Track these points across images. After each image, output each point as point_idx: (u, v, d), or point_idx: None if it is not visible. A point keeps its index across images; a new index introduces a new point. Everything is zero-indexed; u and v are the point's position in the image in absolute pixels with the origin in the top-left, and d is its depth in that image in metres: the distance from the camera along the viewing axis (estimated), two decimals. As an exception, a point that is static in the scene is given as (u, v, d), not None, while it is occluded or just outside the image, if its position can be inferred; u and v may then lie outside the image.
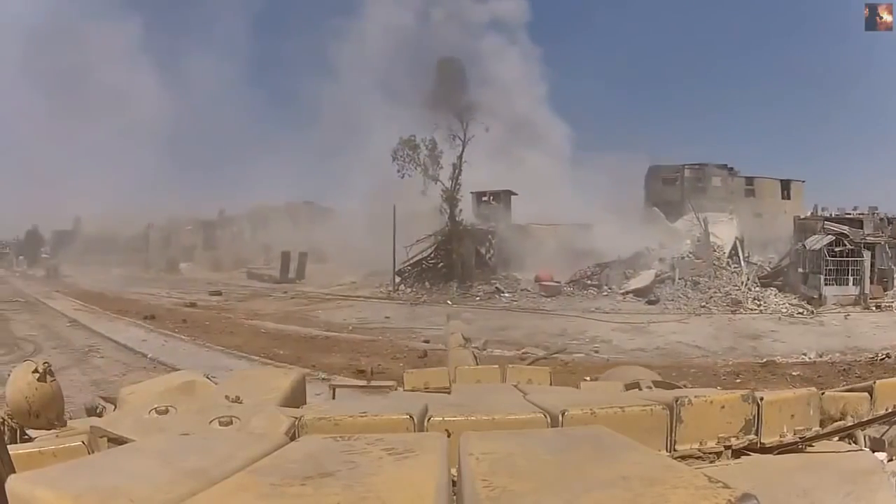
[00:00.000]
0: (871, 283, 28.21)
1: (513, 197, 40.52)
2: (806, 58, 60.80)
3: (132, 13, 51.16)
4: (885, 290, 28.30)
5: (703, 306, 28.39)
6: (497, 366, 4.05)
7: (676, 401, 1.90)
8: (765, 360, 19.19)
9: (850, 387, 2.54)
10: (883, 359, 18.97)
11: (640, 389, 3.69)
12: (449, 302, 31.10)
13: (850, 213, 32.37)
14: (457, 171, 34.37)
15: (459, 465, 1.34)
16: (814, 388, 2.25)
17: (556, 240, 35.99)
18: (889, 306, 27.13)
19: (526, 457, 1.30)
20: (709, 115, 65.09)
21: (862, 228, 29.49)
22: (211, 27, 61.79)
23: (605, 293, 31.33)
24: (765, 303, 28.40)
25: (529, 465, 1.25)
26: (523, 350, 17.92)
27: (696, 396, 1.95)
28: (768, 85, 62.26)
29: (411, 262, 34.99)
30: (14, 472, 1.34)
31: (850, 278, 27.50)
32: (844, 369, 17.93)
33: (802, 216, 34.86)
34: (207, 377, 3.02)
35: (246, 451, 1.39)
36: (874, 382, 2.46)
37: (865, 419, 2.20)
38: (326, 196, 48.77)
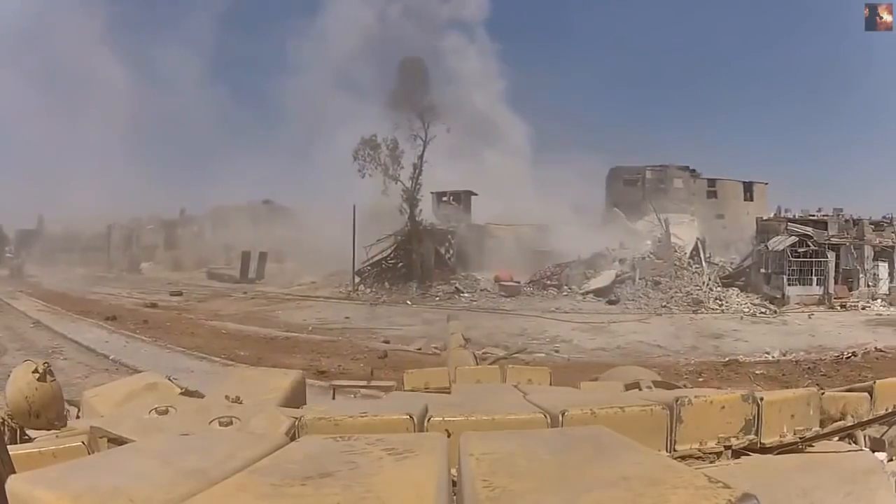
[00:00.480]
0: (836, 283, 28.51)
1: (473, 197, 40.90)
2: (773, 62, 61.16)
3: (95, 10, 51.24)
4: (851, 290, 28.58)
5: (665, 306, 28.53)
6: (497, 366, 4.05)
7: (676, 401, 1.90)
8: (727, 358, 19.26)
9: (849, 387, 2.54)
10: (849, 357, 19.11)
11: (640, 389, 3.69)
12: (409, 302, 31.25)
13: (814, 215, 32.59)
14: (417, 170, 34.52)
15: (459, 466, 1.34)
16: (814, 388, 2.25)
17: (516, 240, 36.45)
18: (854, 306, 27.45)
19: (526, 457, 1.30)
20: (673, 116, 65.24)
21: (826, 230, 29.82)
22: (175, 26, 62.04)
23: (565, 293, 31.64)
24: (727, 302, 28.67)
25: (529, 466, 1.25)
26: (483, 350, 17.94)
27: (696, 396, 1.95)
28: (734, 88, 62.61)
29: (371, 262, 35.05)
30: (14, 472, 1.34)
31: (814, 278, 27.80)
32: (809, 368, 18.03)
33: (765, 217, 35.27)
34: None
35: (246, 452, 1.39)
36: (874, 382, 2.46)
37: (865, 419, 2.20)
38: (287, 195, 48.83)
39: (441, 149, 35.65)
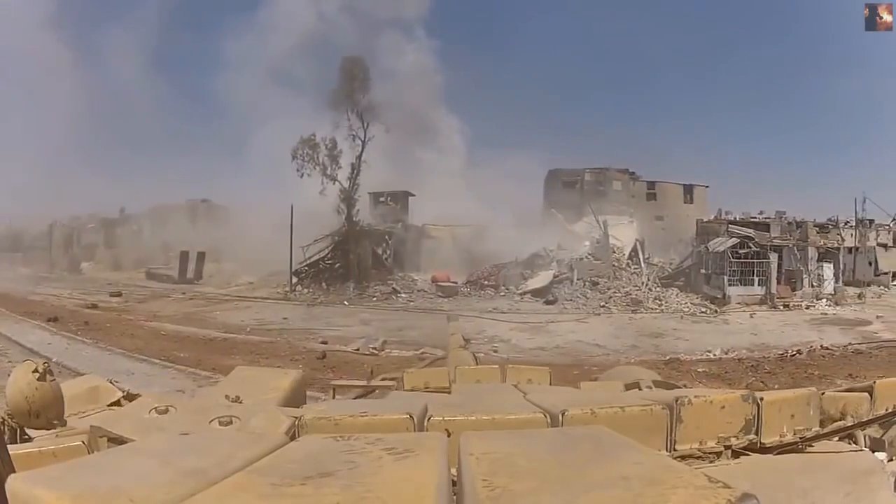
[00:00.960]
0: (779, 283, 28.98)
1: (410, 198, 40.79)
2: (712, 65, 61.14)
3: (29, 7, 49.67)
4: (794, 290, 29.09)
5: (603, 306, 28.80)
6: (497, 366, 4.06)
7: (676, 401, 1.90)
8: (668, 357, 19.27)
9: (849, 386, 2.54)
10: (794, 355, 19.25)
11: (640, 389, 3.69)
12: (346, 303, 31.21)
13: (755, 217, 33.13)
14: (356, 170, 34.37)
15: (459, 465, 1.34)
16: (814, 388, 2.25)
17: (453, 240, 36.55)
18: (798, 306, 27.79)
19: (526, 457, 1.30)
20: (611, 118, 64.94)
21: (769, 231, 30.43)
22: (110, 24, 60.64)
23: (502, 293, 31.76)
24: (666, 302, 28.97)
25: (529, 465, 1.25)
26: (422, 350, 17.90)
27: (696, 396, 1.95)
28: (674, 92, 62.37)
29: (308, 262, 34.91)
30: (14, 471, 1.34)
31: (756, 279, 28.27)
32: (753, 365, 18.10)
33: (706, 220, 35.95)
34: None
35: (246, 451, 1.39)
36: (874, 382, 2.46)
37: (865, 419, 2.20)
38: (225, 194, 48.03)
39: (378, 148, 35.63)
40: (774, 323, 25.01)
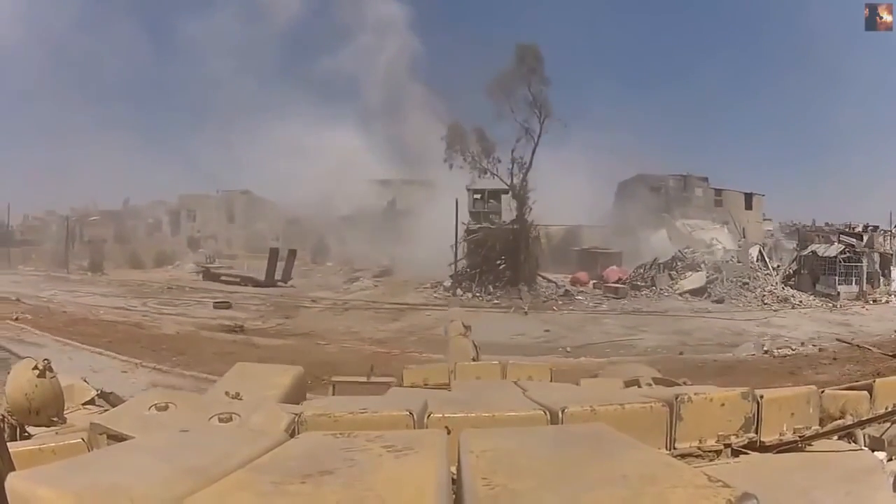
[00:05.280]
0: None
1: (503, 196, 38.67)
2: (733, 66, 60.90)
3: None
4: (874, 287, 33.79)
5: (766, 303, 30.57)
6: (497, 362, 4.05)
7: (676, 398, 1.90)
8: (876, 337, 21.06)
9: (849, 385, 2.54)
10: None
11: (640, 386, 3.69)
12: (525, 309, 28.13)
13: (855, 226, 36.99)
14: (527, 165, 31.31)
15: (459, 463, 1.34)
16: (813, 387, 2.24)
17: (548, 239, 35.66)
18: (879, 301, 31.71)
19: (526, 454, 1.30)
20: (681, 127, 64.18)
21: (861, 240, 34.77)
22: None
23: (666, 294, 31.72)
24: (799, 300, 31.52)
25: (529, 463, 1.25)
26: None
27: (696, 394, 1.95)
28: (732, 105, 62.26)
29: (464, 263, 32.15)
30: (14, 469, 1.34)
31: (853, 279, 33.01)
32: None
33: (766, 227, 40.72)
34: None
35: (245, 449, 1.39)
36: (874, 381, 2.46)
37: (865, 418, 2.20)
38: (264, 186, 43.76)
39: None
40: (892, 313, 27.38)
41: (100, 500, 1.12)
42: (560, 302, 29.71)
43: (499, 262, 32.10)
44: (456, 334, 5.55)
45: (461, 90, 44.64)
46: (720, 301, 30.51)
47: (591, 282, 32.41)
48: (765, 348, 20.07)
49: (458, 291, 31.01)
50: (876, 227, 36.03)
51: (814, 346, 20.36)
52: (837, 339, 21.01)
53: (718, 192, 44.53)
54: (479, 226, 33.30)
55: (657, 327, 24.14)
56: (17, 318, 22.02)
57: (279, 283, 33.15)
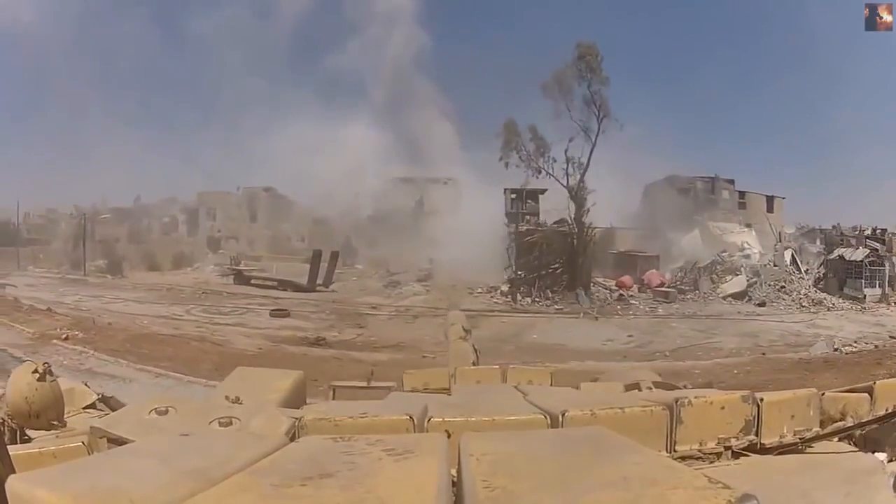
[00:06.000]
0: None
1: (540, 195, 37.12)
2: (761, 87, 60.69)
3: None
4: (895, 290, 34.85)
5: (803, 307, 31.35)
6: (497, 366, 4.05)
7: (676, 401, 1.90)
8: None
9: (850, 387, 2.54)
10: None
11: (640, 390, 3.69)
12: (594, 314, 28.01)
13: (884, 229, 37.90)
14: (585, 166, 30.69)
15: (459, 466, 1.34)
16: (814, 389, 2.24)
17: (604, 243, 34.68)
18: None
19: (526, 458, 1.30)
20: (708, 129, 64.03)
21: (884, 244, 36.01)
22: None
23: (711, 298, 31.85)
24: (832, 302, 32.27)
25: (529, 466, 1.25)
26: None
27: (696, 397, 1.95)
28: (748, 108, 62.09)
29: (522, 266, 31.07)
30: (14, 472, 1.34)
31: (877, 282, 34.15)
32: None
33: (787, 230, 40.39)
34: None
35: (246, 452, 1.39)
36: (874, 383, 2.46)
37: (865, 420, 2.20)
38: (288, 183, 41.51)
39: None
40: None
41: (100, 503, 1.12)
42: (618, 307, 29.46)
43: (556, 265, 31.11)
44: (456, 338, 5.55)
45: (516, 87, 43.00)
46: (762, 304, 31.11)
47: (635, 286, 32.08)
48: (835, 346, 20.79)
49: (518, 296, 30.09)
50: (884, 231, 36.71)
51: (866, 343, 21.41)
52: (892, 337, 22.44)
53: (742, 194, 44.83)
54: (528, 227, 32.46)
55: (725, 330, 24.63)
56: (66, 338, 19.72)
57: (320, 288, 31.55)
